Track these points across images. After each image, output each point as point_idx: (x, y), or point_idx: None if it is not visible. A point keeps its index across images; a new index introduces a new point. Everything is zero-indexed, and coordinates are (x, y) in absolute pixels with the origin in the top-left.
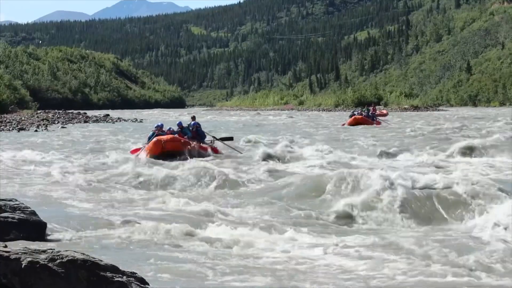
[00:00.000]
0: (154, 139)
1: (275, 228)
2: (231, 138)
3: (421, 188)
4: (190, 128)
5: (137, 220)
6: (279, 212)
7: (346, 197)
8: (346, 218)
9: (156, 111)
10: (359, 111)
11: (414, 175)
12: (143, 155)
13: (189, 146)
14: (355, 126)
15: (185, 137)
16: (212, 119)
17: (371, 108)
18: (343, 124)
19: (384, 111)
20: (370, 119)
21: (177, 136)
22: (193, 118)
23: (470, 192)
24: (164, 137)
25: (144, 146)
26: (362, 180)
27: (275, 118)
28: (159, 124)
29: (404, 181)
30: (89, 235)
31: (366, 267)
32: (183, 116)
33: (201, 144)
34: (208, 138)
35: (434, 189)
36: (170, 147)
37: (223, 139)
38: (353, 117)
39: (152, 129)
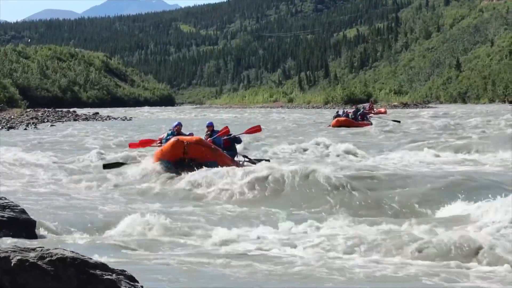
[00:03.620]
0: (174, 138)
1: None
2: (267, 161)
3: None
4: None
5: (129, 219)
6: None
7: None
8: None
9: (146, 109)
10: (345, 111)
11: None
12: (150, 160)
13: (221, 157)
14: (338, 128)
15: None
16: (205, 117)
17: (367, 105)
18: (329, 126)
19: (382, 110)
20: (355, 120)
21: (206, 140)
22: (210, 127)
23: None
24: (188, 138)
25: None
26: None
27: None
28: (178, 122)
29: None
30: (79, 234)
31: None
32: (176, 114)
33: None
34: (238, 158)
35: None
36: (195, 154)
37: (258, 160)
38: (336, 119)
39: (170, 128)
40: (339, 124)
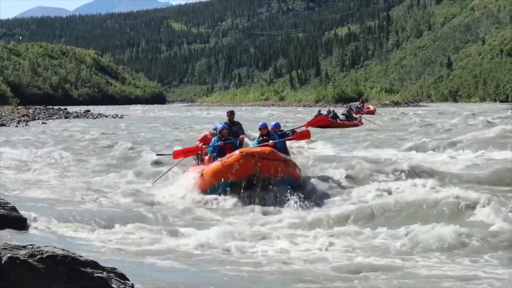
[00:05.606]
0: (238, 151)
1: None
2: None
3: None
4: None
5: (119, 218)
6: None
7: None
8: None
9: (138, 107)
10: (331, 110)
11: None
12: (191, 178)
13: (293, 170)
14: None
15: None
16: (197, 114)
17: (358, 102)
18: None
19: (371, 107)
20: (335, 120)
21: (273, 149)
22: (264, 128)
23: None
24: (257, 150)
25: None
26: None
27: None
28: (222, 124)
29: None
30: (70, 232)
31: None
32: (164, 110)
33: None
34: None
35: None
36: (268, 170)
37: None
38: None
39: (210, 130)
40: (317, 125)
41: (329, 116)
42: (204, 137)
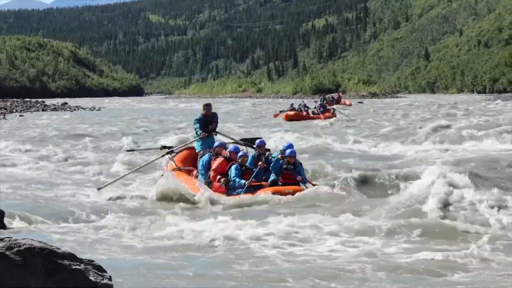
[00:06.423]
0: (269, 190)
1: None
2: None
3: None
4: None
5: (98, 210)
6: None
7: None
8: None
9: (116, 99)
10: (304, 103)
11: None
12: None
13: None
14: (288, 121)
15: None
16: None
17: (335, 95)
18: (276, 115)
19: (347, 102)
20: (307, 114)
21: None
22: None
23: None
24: (289, 189)
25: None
26: None
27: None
28: (220, 142)
29: None
30: (48, 224)
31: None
32: (142, 103)
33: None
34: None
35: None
36: None
37: None
38: (285, 114)
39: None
40: (288, 118)
41: (300, 110)
42: (222, 163)
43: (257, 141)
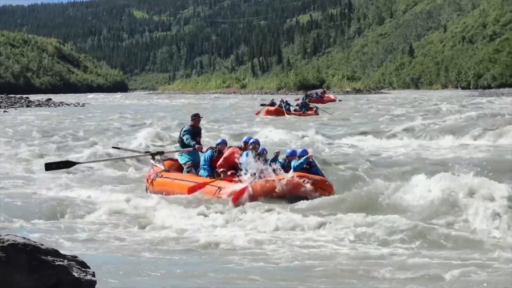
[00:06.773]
0: (295, 179)
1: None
2: None
3: None
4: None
5: (83, 207)
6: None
7: None
8: None
9: (100, 95)
10: (284, 101)
11: None
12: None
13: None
14: (268, 117)
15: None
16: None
17: (320, 91)
18: (257, 113)
19: (332, 96)
20: (286, 110)
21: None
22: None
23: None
24: (318, 180)
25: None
26: None
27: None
28: (223, 139)
29: None
30: (32, 220)
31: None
32: (126, 99)
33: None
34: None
35: None
36: None
37: None
38: (266, 109)
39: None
40: (267, 113)
41: (281, 106)
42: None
43: (248, 139)
